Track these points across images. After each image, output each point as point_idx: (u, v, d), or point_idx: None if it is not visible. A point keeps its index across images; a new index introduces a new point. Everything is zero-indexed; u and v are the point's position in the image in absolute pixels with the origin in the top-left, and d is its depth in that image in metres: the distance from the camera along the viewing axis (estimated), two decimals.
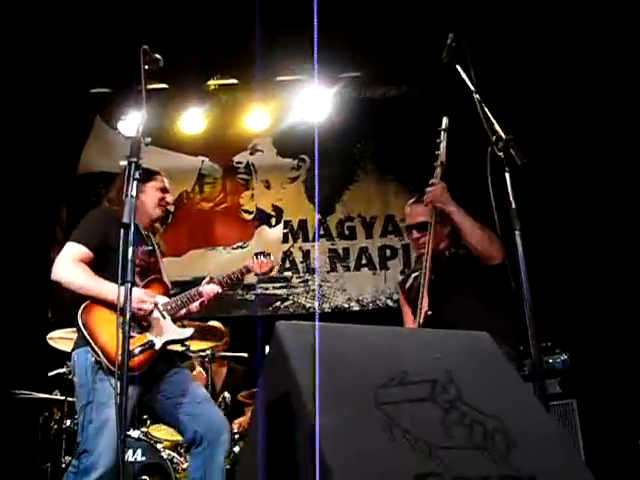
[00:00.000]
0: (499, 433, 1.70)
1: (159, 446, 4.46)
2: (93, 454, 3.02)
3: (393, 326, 2.62)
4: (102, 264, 3.25)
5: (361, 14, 5.81)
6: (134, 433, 4.39)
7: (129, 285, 2.37)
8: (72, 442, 4.37)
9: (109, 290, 3.12)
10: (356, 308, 6.86)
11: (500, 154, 2.60)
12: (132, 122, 6.53)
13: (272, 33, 5.55)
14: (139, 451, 4.28)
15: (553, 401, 4.70)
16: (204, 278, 3.80)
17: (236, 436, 4.84)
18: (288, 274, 6.98)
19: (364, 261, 7.01)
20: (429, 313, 3.12)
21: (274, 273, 6.86)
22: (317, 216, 7.07)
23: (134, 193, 2.47)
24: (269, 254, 4.04)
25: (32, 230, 6.51)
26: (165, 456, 4.36)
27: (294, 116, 6.96)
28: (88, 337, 3.16)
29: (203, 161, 7.28)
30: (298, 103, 6.91)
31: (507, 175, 2.58)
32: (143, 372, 3.21)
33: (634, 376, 4.91)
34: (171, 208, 3.66)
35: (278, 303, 6.92)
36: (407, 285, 3.69)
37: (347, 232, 7.10)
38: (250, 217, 7.20)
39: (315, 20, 3.26)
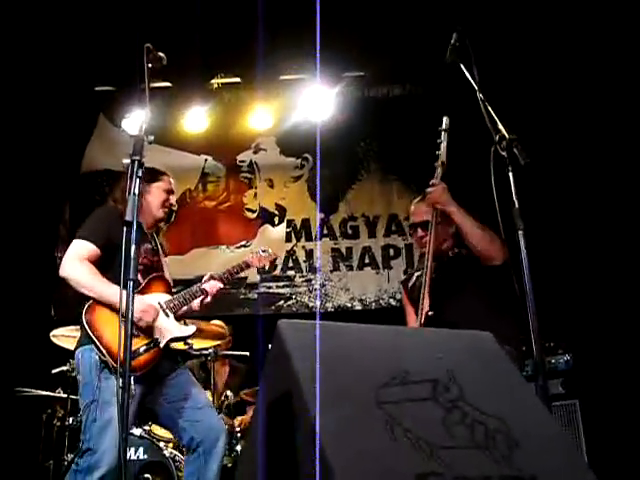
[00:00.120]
0: (501, 433, 1.69)
1: (161, 444, 4.46)
2: (97, 452, 3.02)
3: (396, 325, 2.62)
4: (108, 262, 3.26)
5: (364, 13, 5.81)
6: (136, 431, 4.39)
7: (131, 283, 2.37)
8: (75, 439, 4.38)
9: (112, 294, 3.12)
10: (359, 307, 6.86)
11: (503, 154, 2.59)
12: (136, 120, 6.54)
13: (275, 32, 5.56)
14: (141, 449, 4.28)
15: (556, 401, 4.69)
16: None
17: (238, 434, 4.85)
18: (291, 273, 6.98)
19: (367, 260, 7.00)
20: (430, 313, 3.12)
21: (277, 272, 6.91)
22: (319, 215, 7.06)
23: (137, 191, 2.47)
24: (268, 249, 4.07)
25: (35, 228, 6.52)
26: (167, 454, 4.36)
27: (297, 115, 6.96)
28: (92, 336, 3.17)
29: (206, 160, 7.29)
30: (301, 102, 6.91)
31: (510, 175, 2.57)
32: (147, 371, 3.22)
33: (637, 376, 4.90)
34: (174, 208, 3.68)
35: (281, 302, 6.92)
36: (410, 284, 3.69)
37: (350, 231, 7.09)
38: (253, 216, 7.20)
39: (318, 19, 3.26)
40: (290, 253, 7.04)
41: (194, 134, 7.07)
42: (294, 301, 6.91)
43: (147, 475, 4.24)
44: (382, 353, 1.87)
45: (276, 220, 7.17)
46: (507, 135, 2.62)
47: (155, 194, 3.57)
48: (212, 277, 3.71)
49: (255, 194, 7.26)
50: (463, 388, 1.80)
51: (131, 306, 2.36)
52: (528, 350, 2.64)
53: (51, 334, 4.72)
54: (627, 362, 5.05)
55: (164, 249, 3.76)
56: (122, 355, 2.36)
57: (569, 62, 5.81)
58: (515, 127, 2.66)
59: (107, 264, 3.26)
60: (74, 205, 7.01)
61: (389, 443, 1.56)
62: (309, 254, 7.05)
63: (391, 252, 7.00)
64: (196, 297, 3.62)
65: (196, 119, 6.98)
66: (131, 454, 4.23)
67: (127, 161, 2.55)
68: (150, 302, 3.36)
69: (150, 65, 2.86)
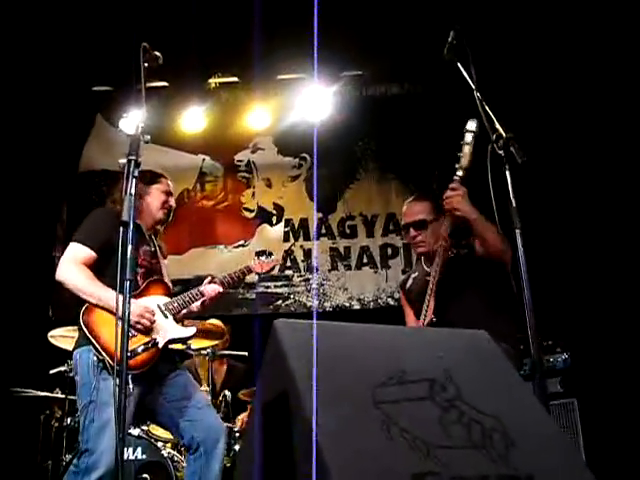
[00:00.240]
0: (497, 432, 1.69)
1: (159, 444, 4.45)
2: (95, 453, 3.02)
3: (394, 324, 2.62)
4: (105, 264, 3.26)
5: (362, 12, 5.80)
6: (134, 431, 4.38)
7: (128, 284, 2.37)
8: (73, 440, 4.38)
9: (109, 298, 3.12)
10: (357, 307, 6.86)
11: (500, 152, 2.59)
12: (133, 120, 6.53)
13: (273, 31, 5.54)
14: (139, 449, 4.27)
15: (554, 400, 4.69)
16: (205, 277, 3.81)
17: (237, 434, 4.85)
18: (289, 273, 6.98)
19: (365, 260, 7.00)
20: (434, 320, 3.09)
21: (275, 272, 6.90)
22: (316, 215, 7.06)
23: (133, 191, 2.47)
24: (271, 253, 4.05)
25: (33, 228, 6.51)
26: (165, 454, 4.35)
27: (295, 114, 6.95)
28: (90, 336, 3.17)
29: (204, 159, 7.28)
30: (299, 101, 6.91)
31: (507, 173, 2.57)
32: (145, 371, 3.22)
33: (635, 375, 4.90)
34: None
35: (279, 302, 6.91)
36: (407, 286, 3.68)
37: (348, 231, 7.09)
38: (251, 215, 7.20)
39: (316, 18, 3.25)
40: (288, 253, 7.04)
41: (191, 134, 7.07)
42: (292, 301, 6.91)
43: (145, 475, 4.23)
44: (379, 353, 1.87)
45: (274, 220, 7.17)
46: (504, 134, 2.61)
47: (154, 196, 3.58)
48: (213, 280, 3.71)
49: (253, 194, 7.25)
50: (460, 387, 1.80)
51: (128, 306, 2.36)
52: (526, 349, 2.64)
53: (49, 334, 4.72)
54: (625, 360, 5.05)
55: (163, 251, 3.75)
56: (119, 355, 2.35)
57: (565, 60, 5.81)
58: (512, 125, 2.66)
59: (104, 266, 3.26)
60: (71, 205, 7.00)
61: (386, 443, 1.56)
62: (307, 254, 7.04)
63: (389, 251, 7.00)
64: (196, 300, 3.62)
65: (193, 119, 6.97)
66: (129, 454, 4.22)
67: (123, 161, 2.55)
68: (147, 304, 3.35)
69: (146, 64, 2.86)
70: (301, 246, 7.07)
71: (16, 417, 5.42)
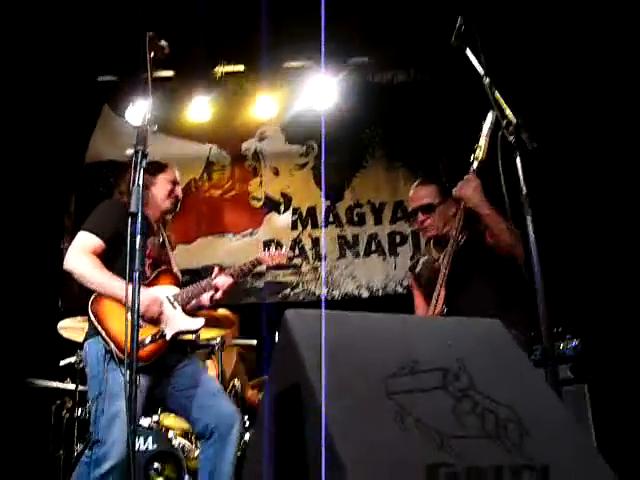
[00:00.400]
0: (512, 422, 1.68)
1: (170, 434, 4.46)
2: (106, 444, 3.03)
3: (403, 312, 2.61)
4: (114, 256, 3.26)
5: None
6: (144, 421, 4.40)
7: (137, 274, 2.36)
8: (84, 430, 4.40)
9: (117, 287, 3.11)
10: (366, 295, 6.84)
11: (511, 139, 2.56)
12: (140, 110, 6.51)
13: (279, 20, 5.50)
14: (150, 439, 4.28)
15: (564, 386, 4.68)
16: (213, 266, 3.79)
17: (246, 423, 4.85)
18: (297, 261, 6.96)
19: (374, 247, 6.98)
20: (445, 310, 3.09)
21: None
22: (324, 202, 7.04)
23: (141, 182, 2.46)
24: (281, 245, 4.02)
25: (41, 219, 6.52)
26: (176, 444, 4.37)
27: (302, 103, 6.92)
28: (99, 327, 3.16)
29: (211, 148, 7.27)
30: (306, 89, 6.87)
31: (518, 160, 2.54)
32: (153, 362, 3.22)
33: None
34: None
35: (288, 290, 6.91)
36: (417, 270, 3.68)
37: (356, 218, 7.07)
38: (259, 204, 7.18)
39: (322, 5, 3.22)
40: (296, 241, 7.02)
41: (198, 123, 7.05)
42: (301, 289, 6.90)
43: (156, 465, 4.24)
44: (390, 342, 1.85)
45: (282, 208, 7.15)
46: (514, 120, 2.58)
47: (160, 185, 3.56)
48: (221, 271, 3.67)
49: (260, 182, 7.24)
50: (473, 377, 1.78)
51: (137, 298, 2.35)
52: (537, 336, 2.62)
53: (58, 326, 4.72)
54: (636, 346, 5.04)
55: (171, 242, 3.73)
56: (128, 346, 2.35)
57: (577, 44, 5.75)
58: (522, 112, 2.63)
59: (113, 258, 3.25)
60: (79, 196, 7.01)
61: (399, 433, 1.54)
62: (315, 242, 7.03)
63: (397, 239, 6.98)
64: (206, 291, 3.59)
65: (200, 108, 6.95)
66: (140, 444, 4.22)
67: (130, 151, 2.53)
68: (155, 294, 3.34)
69: (152, 54, 2.84)
70: (309, 234, 7.05)
71: (28, 407, 5.46)
